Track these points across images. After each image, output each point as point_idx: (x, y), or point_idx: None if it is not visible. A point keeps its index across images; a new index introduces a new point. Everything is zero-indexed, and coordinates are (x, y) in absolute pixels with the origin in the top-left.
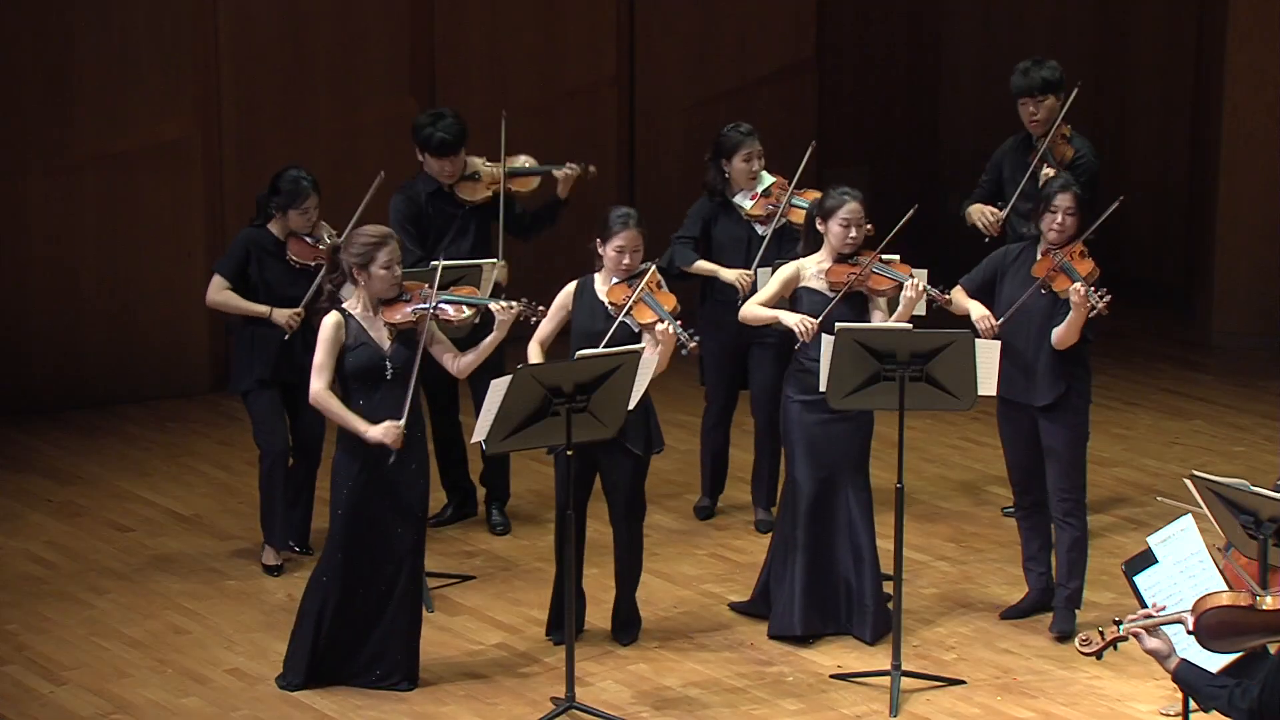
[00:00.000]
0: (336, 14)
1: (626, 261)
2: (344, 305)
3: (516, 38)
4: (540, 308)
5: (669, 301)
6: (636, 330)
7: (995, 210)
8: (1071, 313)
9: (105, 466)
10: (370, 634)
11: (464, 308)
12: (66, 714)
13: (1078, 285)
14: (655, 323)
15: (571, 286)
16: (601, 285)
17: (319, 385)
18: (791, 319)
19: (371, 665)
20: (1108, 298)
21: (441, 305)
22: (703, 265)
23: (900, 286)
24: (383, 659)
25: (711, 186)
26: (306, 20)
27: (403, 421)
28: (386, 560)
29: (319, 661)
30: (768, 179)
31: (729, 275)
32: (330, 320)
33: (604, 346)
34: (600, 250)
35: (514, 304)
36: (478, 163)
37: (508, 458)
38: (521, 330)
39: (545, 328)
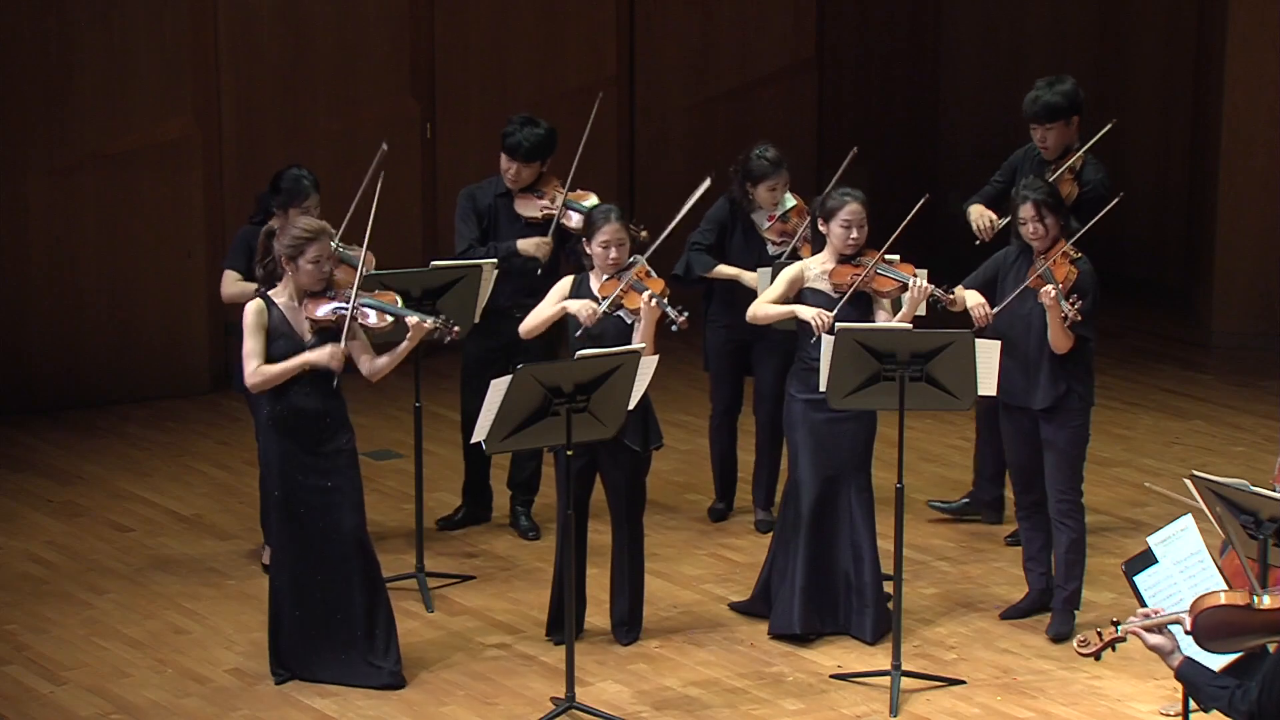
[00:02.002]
0: (336, 14)
1: (613, 255)
2: (269, 293)
3: (516, 38)
4: (456, 329)
5: (657, 285)
6: (629, 323)
7: (995, 219)
8: (1048, 315)
9: (105, 466)
10: (335, 618)
11: (385, 315)
12: (66, 714)
13: (1048, 288)
14: (641, 305)
15: (568, 280)
16: (595, 282)
17: (250, 368)
18: (808, 312)
19: (349, 659)
20: (1079, 304)
21: (362, 309)
22: (724, 270)
23: (904, 287)
24: (356, 650)
25: (734, 199)
26: (306, 20)
27: (342, 345)
28: (331, 546)
29: (291, 646)
30: (789, 202)
31: (752, 280)
32: (252, 307)
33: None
34: (587, 249)
35: (430, 320)
36: (553, 183)
37: (540, 454)
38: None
39: (538, 314)
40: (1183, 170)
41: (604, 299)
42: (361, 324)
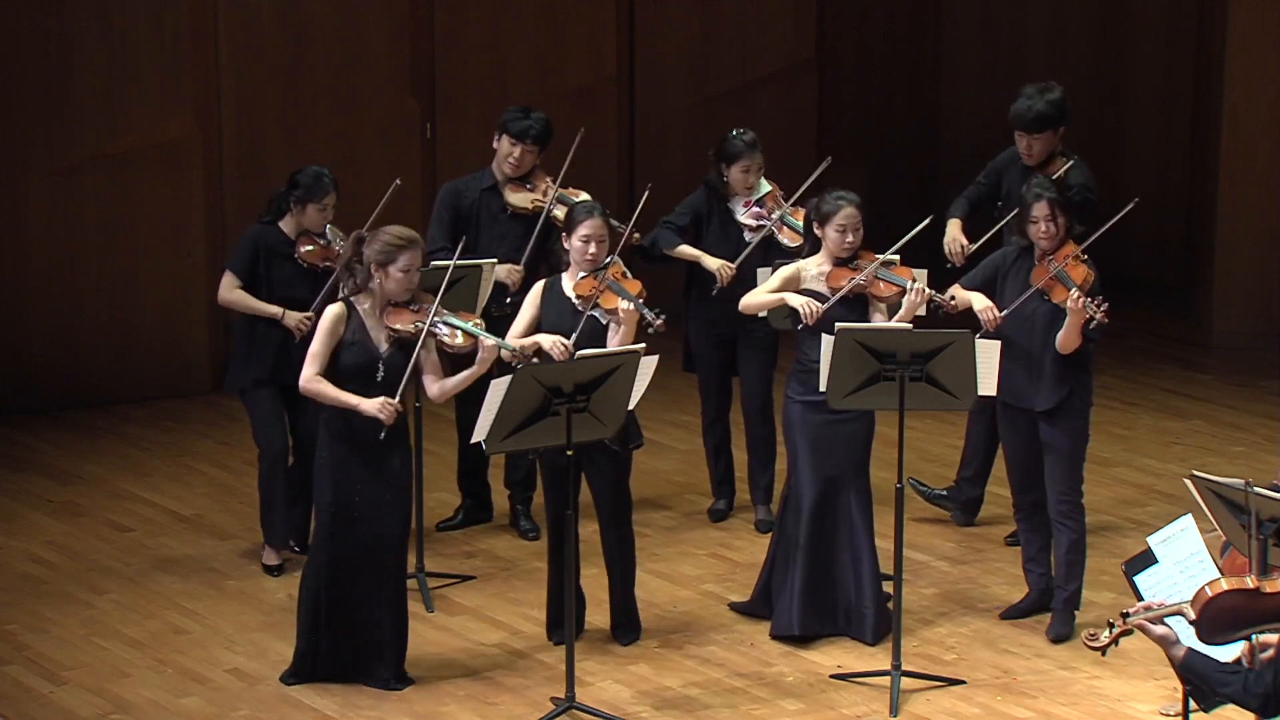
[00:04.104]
0: (336, 14)
1: (592, 250)
2: (351, 299)
3: (516, 38)
4: (535, 360)
5: (635, 287)
6: (605, 323)
7: (966, 245)
8: (1069, 318)
9: (105, 466)
10: (362, 629)
11: (460, 334)
12: (66, 714)
13: (1074, 294)
14: (619, 307)
15: (539, 286)
16: (568, 282)
17: (310, 373)
18: (798, 299)
19: (366, 662)
20: (1105, 305)
21: (440, 325)
22: (686, 250)
23: (903, 291)
24: (377, 655)
25: (709, 184)
26: (306, 20)
27: (396, 399)
28: (372, 553)
29: (315, 656)
30: (764, 187)
31: (712, 264)
32: (332, 311)
33: (573, 342)
34: (566, 244)
35: (507, 348)
36: (543, 177)
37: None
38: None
39: (516, 327)
40: (1183, 170)
41: (578, 299)
42: (440, 340)
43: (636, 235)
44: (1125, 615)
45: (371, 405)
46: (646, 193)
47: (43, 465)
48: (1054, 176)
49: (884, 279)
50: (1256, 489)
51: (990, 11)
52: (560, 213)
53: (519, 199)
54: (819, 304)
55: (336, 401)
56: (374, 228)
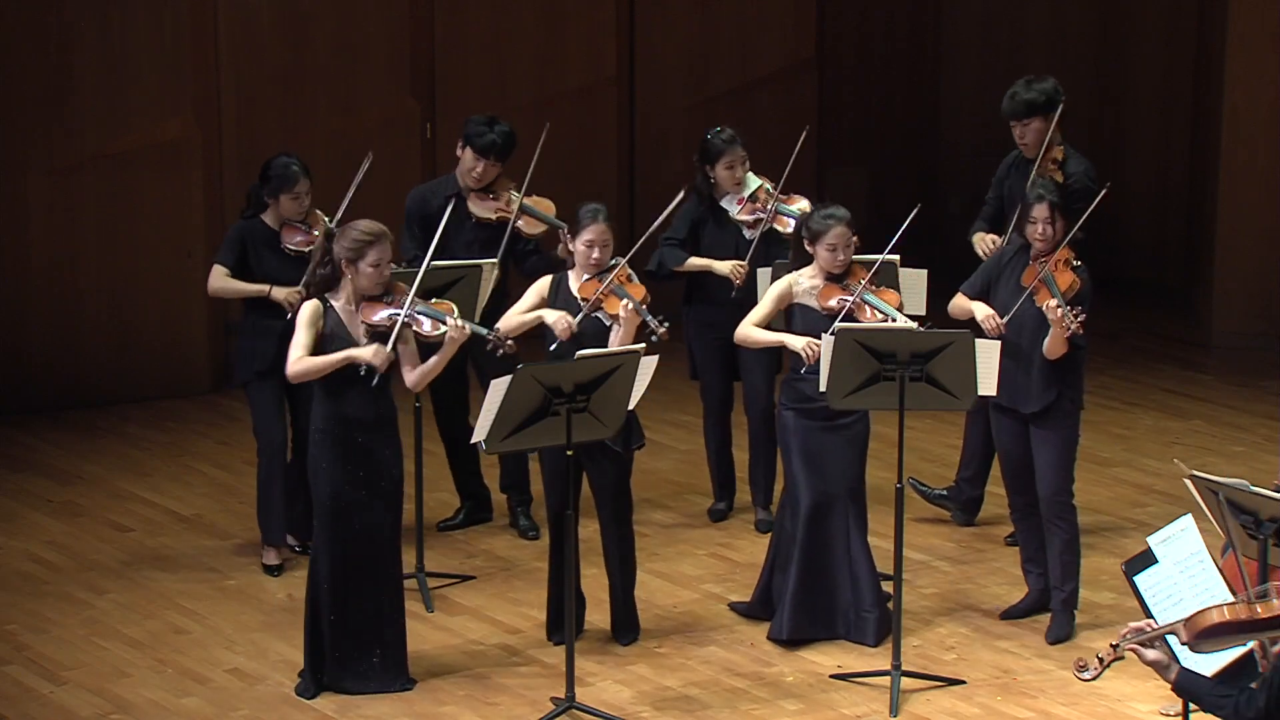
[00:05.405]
0: (336, 14)
1: (596, 255)
2: (325, 295)
3: (516, 38)
4: (510, 342)
5: (639, 292)
6: (607, 324)
7: (996, 239)
8: (1051, 327)
9: (105, 466)
10: (368, 623)
11: (439, 323)
12: (66, 714)
13: (1053, 303)
14: (621, 310)
15: (547, 280)
16: (574, 282)
17: (294, 357)
18: (798, 343)
19: (370, 663)
20: (1081, 317)
21: (416, 316)
22: (695, 261)
23: (888, 319)
24: (383, 649)
25: (699, 189)
26: (306, 20)
27: (389, 348)
28: (372, 543)
29: (326, 658)
30: (754, 182)
31: (723, 268)
32: (310, 305)
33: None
34: (570, 246)
35: (481, 332)
36: (507, 185)
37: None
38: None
39: (516, 309)
40: (1183, 170)
41: (582, 300)
42: (415, 331)
43: (665, 327)
44: (1114, 645)
45: (365, 351)
46: (652, 228)
47: (43, 465)
48: (1049, 158)
49: (871, 304)
50: (1199, 474)
51: (990, 11)
52: (524, 223)
53: (483, 210)
54: (819, 344)
55: (329, 365)
56: (350, 207)
